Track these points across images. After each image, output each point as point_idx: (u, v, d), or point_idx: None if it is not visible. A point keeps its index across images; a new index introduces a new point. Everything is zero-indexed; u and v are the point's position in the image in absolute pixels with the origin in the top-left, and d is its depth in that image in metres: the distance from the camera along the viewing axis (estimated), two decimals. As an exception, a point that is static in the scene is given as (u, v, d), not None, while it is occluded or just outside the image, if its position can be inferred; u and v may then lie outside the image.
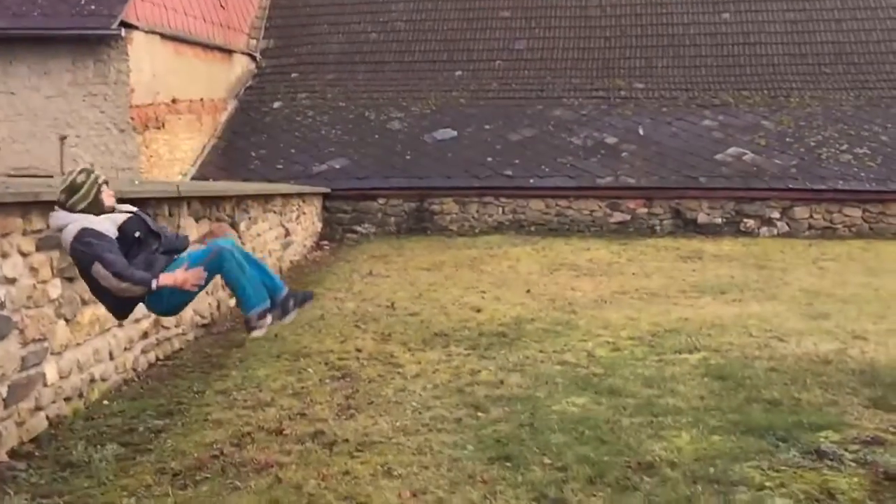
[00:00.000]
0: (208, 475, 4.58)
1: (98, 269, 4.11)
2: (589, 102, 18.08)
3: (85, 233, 4.20)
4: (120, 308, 4.52)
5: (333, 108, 18.12)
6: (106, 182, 4.47)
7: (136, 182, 7.86)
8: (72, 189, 4.33)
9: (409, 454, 4.93)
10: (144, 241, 4.37)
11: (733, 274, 11.57)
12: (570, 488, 4.40)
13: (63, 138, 12.72)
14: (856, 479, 4.49)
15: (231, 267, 4.39)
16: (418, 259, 13.03)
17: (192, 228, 7.73)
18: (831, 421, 5.39)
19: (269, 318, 4.52)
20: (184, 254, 4.57)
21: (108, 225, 4.29)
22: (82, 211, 4.30)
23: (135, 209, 4.52)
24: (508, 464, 4.76)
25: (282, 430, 5.35)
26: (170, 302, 4.41)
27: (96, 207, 4.34)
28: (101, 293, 4.36)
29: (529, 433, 5.26)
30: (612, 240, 14.84)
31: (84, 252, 4.17)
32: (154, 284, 4.12)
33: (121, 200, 6.08)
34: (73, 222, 4.27)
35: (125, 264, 4.13)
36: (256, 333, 4.54)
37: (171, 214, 7.21)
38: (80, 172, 4.41)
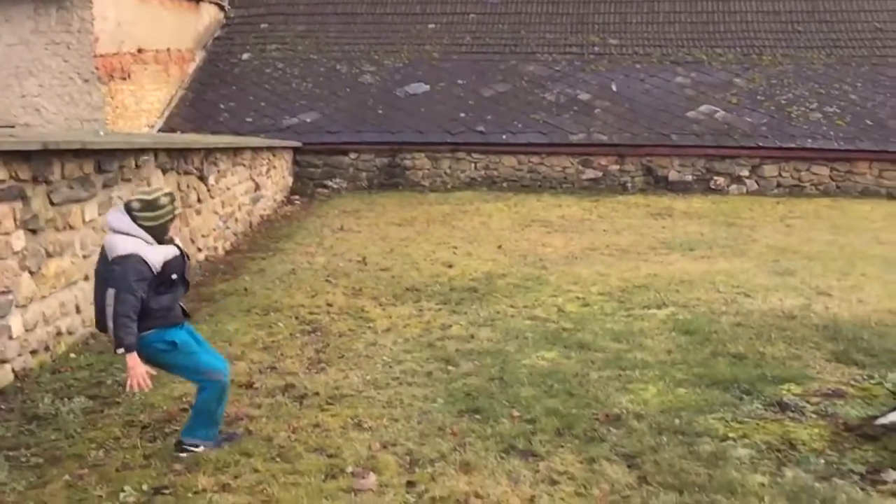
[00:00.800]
0: (178, 427, 4.57)
1: (110, 294, 3.98)
2: (563, 58, 17.96)
3: (132, 261, 4.04)
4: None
5: (304, 61, 17.82)
6: (178, 215, 4.39)
7: (102, 133, 7.70)
8: (150, 205, 4.19)
9: (380, 407, 4.96)
10: (175, 283, 4.25)
11: (702, 231, 11.67)
12: (539, 440, 4.47)
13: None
14: (816, 430, 4.60)
15: (212, 396, 4.28)
16: (390, 214, 12.98)
17: (158, 180, 7.62)
18: (794, 374, 5.50)
19: (199, 449, 4.31)
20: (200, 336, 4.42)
21: (159, 257, 4.17)
22: (144, 228, 4.16)
23: (182, 248, 4.37)
24: (478, 416, 4.81)
25: (252, 383, 5.35)
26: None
27: (158, 233, 4.22)
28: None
29: (499, 386, 5.31)
30: (583, 197, 14.88)
31: (116, 273, 4.02)
32: (120, 351, 3.97)
33: (86, 152, 5.98)
34: (129, 238, 4.13)
35: (130, 311, 3.98)
36: (180, 454, 4.27)
37: (137, 166, 7.08)
38: (167, 195, 4.27)
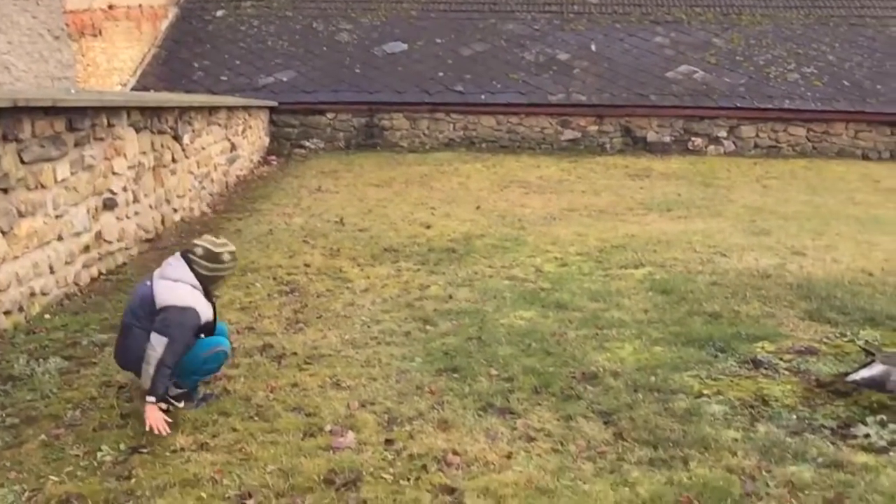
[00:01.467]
0: (155, 388, 4.55)
1: (159, 342, 3.93)
2: (542, 17, 17.81)
3: (191, 314, 4.06)
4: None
5: (280, 18, 17.53)
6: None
7: (73, 91, 7.55)
8: (213, 257, 4.24)
9: (358, 366, 4.97)
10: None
11: (680, 192, 11.71)
12: (516, 398, 4.50)
13: None
14: (789, 387, 4.68)
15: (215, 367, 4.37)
16: (368, 175, 12.90)
17: (131, 140, 7.50)
18: (768, 332, 5.57)
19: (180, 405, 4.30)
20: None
21: (209, 312, 4.22)
22: (197, 276, 4.18)
23: (215, 312, 4.37)
24: (456, 375, 4.83)
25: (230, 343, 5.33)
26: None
27: (207, 285, 4.24)
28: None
29: (477, 346, 5.34)
30: (562, 157, 14.86)
31: (171, 322, 3.98)
32: (151, 399, 3.94)
33: (56, 110, 5.86)
34: (183, 285, 4.13)
35: (175, 362, 3.98)
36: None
37: (110, 125, 6.96)
38: (231, 253, 4.34)
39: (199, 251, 4.24)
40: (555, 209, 10.33)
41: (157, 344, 3.94)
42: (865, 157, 15.53)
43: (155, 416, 3.89)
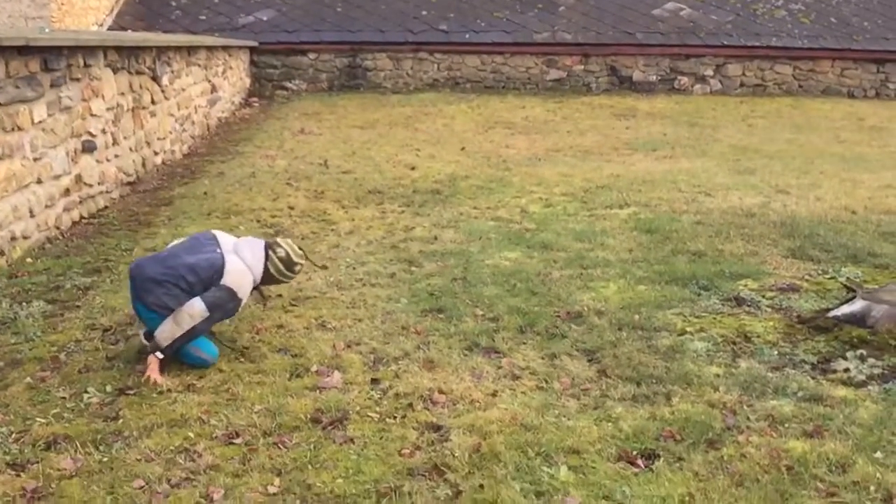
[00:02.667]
0: (140, 330, 4.54)
1: (201, 312, 3.94)
2: (527, -47, 17.46)
3: (236, 304, 4.11)
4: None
5: (259, -45, 17.10)
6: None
7: (47, 31, 7.35)
8: (289, 264, 4.29)
9: (344, 308, 4.97)
10: None
11: (665, 131, 11.67)
12: (501, 337, 4.53)
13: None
14: (771, 324, 4.73)
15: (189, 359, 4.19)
16: (351, 117, 12.76)
17: (109, 80, 7.35)
18: (751, 270, 5.61)
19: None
20: None
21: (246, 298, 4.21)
22: (265, 271, 4.21)
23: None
24: (441, 315, 4.85)
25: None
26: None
27: (266, 282, 4.30)
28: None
29: (462, 286, 5.35)
30: (547, 98, 14.73)
31: (222, 299, 4.00)
32: (159, 355, 3.96)
33: (31, 50, 5.73)
34: (252, 278, 4.15)
35: (198, 334, 4.02)
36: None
37: (86, 65, 6.81)
38: (302, 267, 4.39)
39: (280, 253, 4.25)
40: (540, 150, 10.28)
41: (199, 313, 3.95)
42: (851, 96, 15.51)
43: (157, 372, 3.92)
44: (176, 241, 4.45)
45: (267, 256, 4.23)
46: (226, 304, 4.05)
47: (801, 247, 6.12)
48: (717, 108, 13.72)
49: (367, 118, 12.58)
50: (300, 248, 4.40)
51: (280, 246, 4.29)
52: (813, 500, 3.02)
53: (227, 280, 4.05)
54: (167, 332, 3.96)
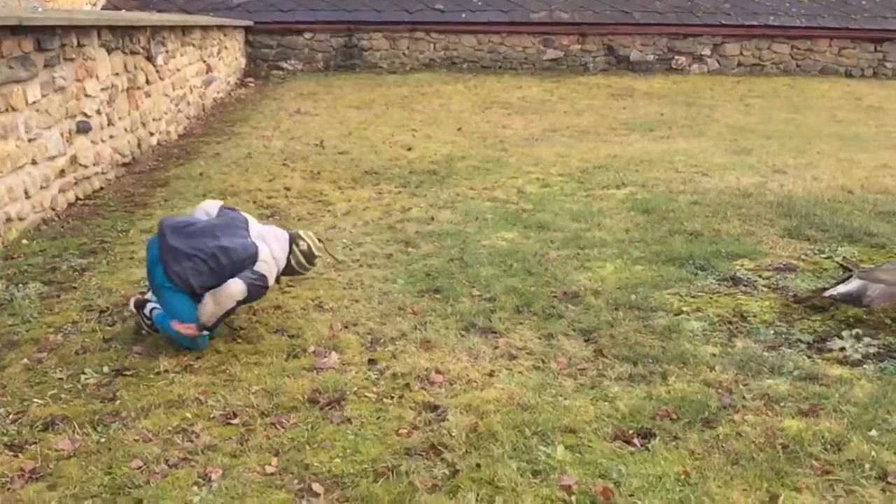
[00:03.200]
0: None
1: (241, 291, 3.96)
2: (523, -69, 17.32)
3: (260, 292, 4.10)
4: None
5: (253, -66, 16.94)
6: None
7: (39, 10, 7.29)
8: (309, 259, 4.29)
9: (340, 289, 4.97)
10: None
11: (662, 111, 11.64)
12: (498, 317, 4.53)
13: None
14: (767, 303, 4.74)
15: (171, 335, 4.15)
16: (347, 97, 12.71)
17: (103, 60, 7.30)
18: (748, 250, 5.62)
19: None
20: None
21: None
22: (287, 261, 4.22)
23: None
24: (438, 296, 4.85)
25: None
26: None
27: (287, 272, 4.29)
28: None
29: (459, 267, 5.35)
30: (544, 77, 14.67)
31: (255, 284, 4.00)
32: (205, 332, 4.05)
33: (24, 29, 5.68)
34: (276, 270, 4.14)
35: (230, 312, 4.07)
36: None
37: (80, 45, 6.76)
38: (319, 260, 4.38)
39: (303, 246, 4.24)
40: (537, 130, 10.25)
41: (240, 294, 3.96)
42: (848, 75, 15.46)
43: (193, 330, 3.99)
44: (208, 203, 4.39)
45: (290, 249, 4.23)
46: (259, 290, 4.07)
47: (798, 226, 6.13)
48: (715, 88, 13.68)
49: (363, 98, 12.53)
50: (320, 241, 4.40)
51: (303, 239, 4.28)
52: (808, 479, 3.04)
53: (262, 267, 4.04)
54: (210, 312, 3.96)
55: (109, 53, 7.49)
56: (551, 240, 5.93)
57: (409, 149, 9.04)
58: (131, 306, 4.25)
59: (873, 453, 3.18)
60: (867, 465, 3.11)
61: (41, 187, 6.08)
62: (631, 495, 2.94)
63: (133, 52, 8.20)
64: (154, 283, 4.09)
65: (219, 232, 4.07)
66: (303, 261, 4.28)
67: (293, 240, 4.27)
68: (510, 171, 8.08)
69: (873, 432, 3.34)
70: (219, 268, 3.96)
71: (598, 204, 6.86)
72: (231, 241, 4.03)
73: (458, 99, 12.58)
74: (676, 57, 15.54)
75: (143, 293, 4.63)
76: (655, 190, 7.27)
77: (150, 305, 4.20)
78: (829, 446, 3.25)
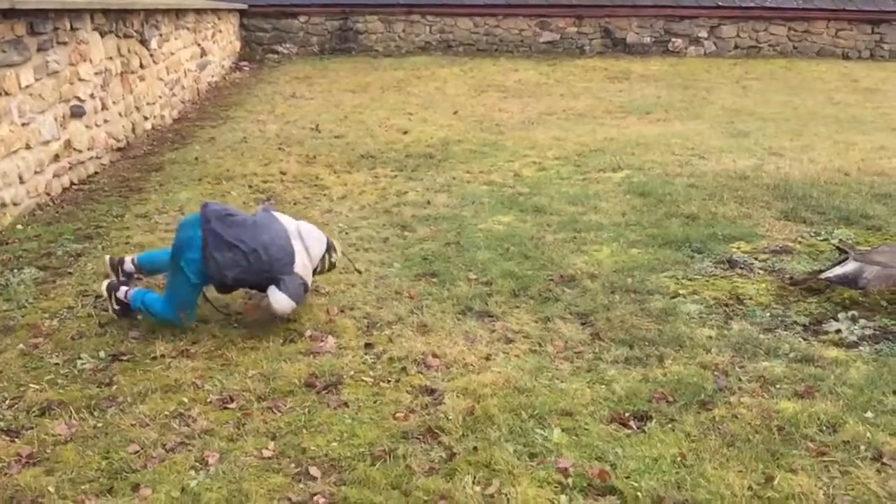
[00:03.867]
0: (133, 297, 4.54)
1: (295, 287, 4.03)
2: (519, -88, 17.19)
3: (298, 291, 4.09)
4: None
5: (247, -84, 16.80)
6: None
7: (32, -6, 7.22)
8: (331, 267, 4.39)
9: (336, 273, 4.94)
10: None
11: (659, 94, 11.61)
12: (495, 301, 4.53)
13: None
14: (763, 286, 4.74)
15: (161, 318, 4.18)
16: (343, 81, 12.65)
17: (96, 44, 7.25)
18: (744, 233, 5.62)
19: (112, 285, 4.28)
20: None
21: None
22: (316, 265, 4.23)
23: None
24: (435, 280, 4.85)
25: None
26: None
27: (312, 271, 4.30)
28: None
29: (455, 251, 5.34)
30: (540, 60, 14.61)
31: (296, 286, 4.05)
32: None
33: (16, 13, 5.64)
34: (308, 268, 4.16)
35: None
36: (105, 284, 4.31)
37: (73, 28, 6.71)
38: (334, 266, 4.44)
39: (334, 258, 4.34)
40: (533, 113, 10.22)
41: (289, 309, 4.04)
42: (845, 57, 15.42)
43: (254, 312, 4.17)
44: (264, 212, 4.37)
45: (323, 256, 4.26)
46: (302, 297, 4.16)
47: (794, 209, 6.13)
48: (711, 71, 13.64)
49: (358, 82, 12.47)
50: (342, 253, 4.49)
51: (335, 250, 4.34)
52: (803, 460, 3.05)
53: (303, 274, 4.09)
54: (287, 305, 4.00)
55: (103, 37, 7.44)
56: (548, 223, 5.92)
57: (405, 132, 9.01)
58: (103, 289, 4.25)
59: (868, 435, 3.20)
60: (862, 447, 3.13)
61: (35, 172, 6.05)
62: (627, 477, 2.95)
63: (127, 36, 8.15)
64: (176, 263, 4.04)
65: (260, 228, 4.05)
66: (326, 269, 4.36)
67: (330, 248, 4.29)
68: (506, 154, 8.06)
69: (869, 414, 3.35)
70: (256, 265, 3.95)
71: (594, 187, 6.85)
72: (272, 239, 4.02)
73: (454, 82, 12.53)
74: (673, 39, 15.48)
75: (138, 278, 4.63)
76: (652, 173, 7.26)
77: (123, 289, 4.23)
78: (824, 428, 3.26)
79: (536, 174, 7.34)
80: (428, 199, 6.54)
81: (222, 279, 3.97)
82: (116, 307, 4.21)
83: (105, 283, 4.32)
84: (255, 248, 3.95)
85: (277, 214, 4.28)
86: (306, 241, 4.16)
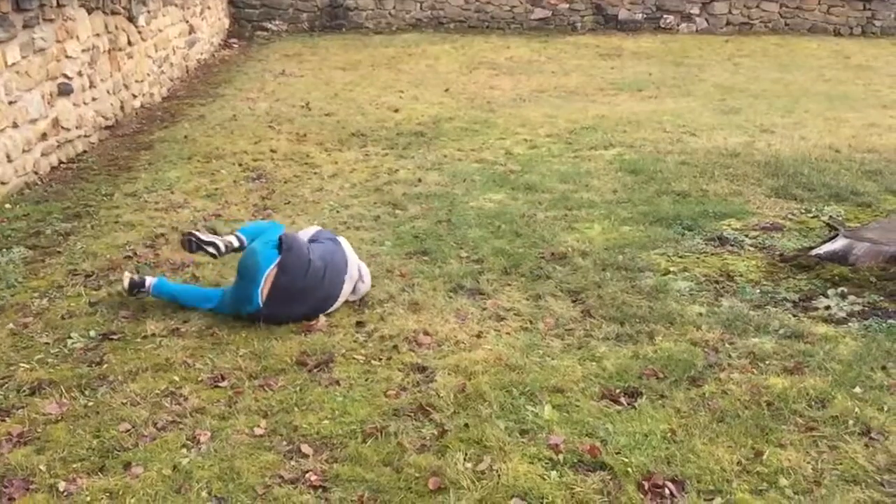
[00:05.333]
0: (122, 276, 4.51)
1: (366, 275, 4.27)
2: None
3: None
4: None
5: None
6: None
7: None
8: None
9: (328, 251, 4.94)
10: None
11: (651, 71, 11.57)
12: (486, 279, 4.53)
13: None
14: (753, 262, 4.75)
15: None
16: (333, 58, 12.55)
17: (83, 21, 7.17)
18: (735, 210, 5.63)
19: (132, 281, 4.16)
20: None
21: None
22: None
23: None
24: (426, 258, 4.84)
25: (197, 230, 5.27)
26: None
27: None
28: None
29: (447, 228, 5.34)
30: (531, 37, 14.53)
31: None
32: None
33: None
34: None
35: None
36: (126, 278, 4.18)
37: (59, 5, 6.62)
38: None
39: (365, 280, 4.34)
40: (524, 91, 10.18)
41: (366, 275, 4.25)
42: (837, 33, 15.38)
43: None
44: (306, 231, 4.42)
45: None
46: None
47: (785, 186, 6.13)
48: (703, 48, 13.59)
49: (349, 59, 12.38)
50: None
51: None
52: (792, 435, 3.08)
53: (365, 276, 4.27)
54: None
55: (90, 13, 7.35)
56: (539, 201, 5.91)
57: (396, 110, 8.96)
58: (125, 285, 4.15)
59: (857, 410, 3.22)
60: (851, 422, 3.15)
61: (23, 151, 6.00)
62: (618, 453, 2.97)
63: (114, 13, 8.05)
64: (248, 271, 3.95)
65: (325, 281, 4.04)
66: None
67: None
68: (498, 132, 8.03)
69: (857, 389, 3.38)
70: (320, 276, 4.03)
71: (585, 165, 6.84)
72: (331, 290, 4.09)
73: (445, 59, 12.45)
74: (665, 16, 15.40)
75: (127, 257, 4.61)
76: (643, 150, 7.25)
77: (148, 280, 4.17)
78: (813, 403, 3.29)
79: (528, 152, 7.32)
80: (419, 177, 6.52)
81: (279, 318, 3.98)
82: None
83: (127, 280, 4.16)
84: (314, 305, 4.03)
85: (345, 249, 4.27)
86: (362, 270, 4.28)
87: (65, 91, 6.73)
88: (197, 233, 4.30)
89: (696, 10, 15.45)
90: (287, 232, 4.17)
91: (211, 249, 4.24)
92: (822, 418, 3.18)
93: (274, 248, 3.99)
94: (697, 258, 4.84)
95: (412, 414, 3.24)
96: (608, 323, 4.01)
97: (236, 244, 4.27)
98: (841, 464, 2.92)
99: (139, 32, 8.87)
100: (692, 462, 2.92)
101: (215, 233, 4.49)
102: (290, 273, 3.91)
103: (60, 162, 6.68)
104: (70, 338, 3.82)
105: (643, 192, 6.08)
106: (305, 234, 4.30)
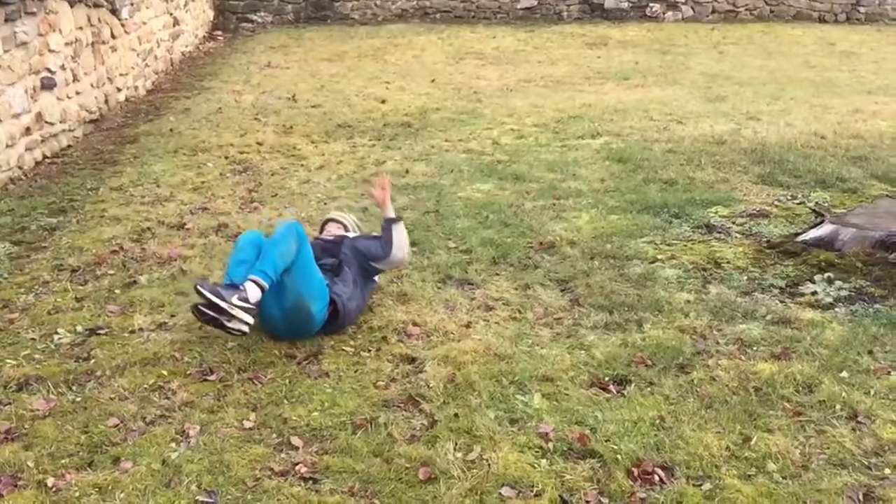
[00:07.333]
0: (109, 270, 4.50)
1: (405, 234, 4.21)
2: None
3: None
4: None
5: None
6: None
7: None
8: None
9: (315, 243, 4.93)
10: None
11: (637, 60, 11.57)
12: (475, 269, 4.53)
13: None
14: (741, 249, 4.77)
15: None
16: (319, 50, 12.49)
17: (66, 14, 7.10)
18: (722, 197, 5.64)
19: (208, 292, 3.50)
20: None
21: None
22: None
23: None
24: (415, 249, 4.83)
25: (183, 224, 5.26)
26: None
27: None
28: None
29: (435, 219, 5.33)
30: (518, 27, 14.50)
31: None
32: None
33: None
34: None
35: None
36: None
37: (41, -1, 6.56)
38: None
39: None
40: (511, 81, 10.16)
41: (403, 234, 4.16)
42: (822, 20, 15.41)
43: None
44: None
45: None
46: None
47: (771, 173, 6.16)
48: (689, 36, 13.60)
49: (334, 51, 12.33)
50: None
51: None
52: (780, 420, 3.10)
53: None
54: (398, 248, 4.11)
55: (72, 7, 7.28)
56: (527, 191, 5.91)
57: (383, 101, 8.93)
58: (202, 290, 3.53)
59: (844, 394, 3.24)
60: (838, 406, 3.17)
61: (7, 146, 5.95)
62: (607, 440, 2.98)
63: (97, 5, 7.98)
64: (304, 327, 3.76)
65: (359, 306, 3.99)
66: None
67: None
68: (485, 122, 8.02)
69: (844, 374, 3.40)
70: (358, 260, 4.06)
71: (573, 154, 6.84)
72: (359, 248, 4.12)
73: (431, 50, 12.41)
74: (651, 4, 15.39)
75: (114, 251, 4.57)
76: (630, 139, 7.26)
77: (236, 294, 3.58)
78: (800, 388, 3.31)
79: (515, 142, 7.31)
80: (406, 168, 6.51)
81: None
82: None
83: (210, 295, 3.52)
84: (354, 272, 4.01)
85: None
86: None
87: (48, 85, 6.67)
88: (212, 298, 3.48)
89: (681, -1, 15.45)
90: (334, 292, 3.78)
91: (237, 325, 3.55)
92: (809, 403, 3.20)
93: (324, 308, 3.75)
94: (685, 246, 4.86)
95: (402, 405, 3.24)
96: (597, 311, 4.01)
97: (259, 295, 3.59)
98: (828, 448, 2.94)
99: (122, 25, 8.80)
100: (681, 448, 2.93)
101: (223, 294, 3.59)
102: (336, 326, 3.84)
103: (45, 157, 6.63)
104: (57, 333, 3.80)
105: (630, 180, 6.09)
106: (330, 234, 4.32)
